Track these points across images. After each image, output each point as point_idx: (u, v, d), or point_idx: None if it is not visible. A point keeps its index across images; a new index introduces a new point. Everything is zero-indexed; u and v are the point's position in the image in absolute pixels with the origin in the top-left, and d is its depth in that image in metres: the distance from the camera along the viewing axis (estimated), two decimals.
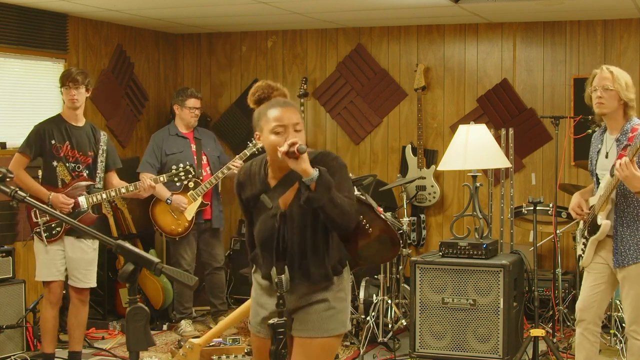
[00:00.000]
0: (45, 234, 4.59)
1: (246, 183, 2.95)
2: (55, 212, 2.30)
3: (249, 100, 3.00)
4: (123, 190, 4.74)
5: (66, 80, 4.61)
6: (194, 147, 5.92)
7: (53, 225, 4.63)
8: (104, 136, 4.83)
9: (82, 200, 4.64)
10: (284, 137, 2.73)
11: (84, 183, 4.70)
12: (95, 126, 4.90)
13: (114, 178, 4.89)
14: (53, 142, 4.64)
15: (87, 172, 4.74)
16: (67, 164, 4.68)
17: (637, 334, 3.75)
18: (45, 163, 4.68)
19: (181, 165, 4.97)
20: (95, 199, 4.68)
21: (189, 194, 5.74)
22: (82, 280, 4.72)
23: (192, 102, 5.89)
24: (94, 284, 4.82)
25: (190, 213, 5.75)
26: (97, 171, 4.77)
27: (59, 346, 4.99)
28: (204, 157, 5.93)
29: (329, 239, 2.88)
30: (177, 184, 5.25)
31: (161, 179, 4.94)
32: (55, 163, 4.65)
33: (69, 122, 4.70)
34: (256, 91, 2.97)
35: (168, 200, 5.68)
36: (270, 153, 2.82)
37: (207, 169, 5.90)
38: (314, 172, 2.66)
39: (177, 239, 5.82)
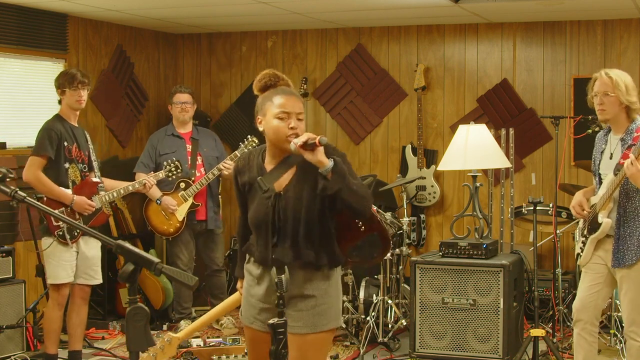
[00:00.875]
0: (68, 236, 4.61)
1: (244, 169, 3.03)
2: (56, 213, 2.30)
3: (254, 86, 3.04)
4: (130, 188, 4.86)
5: (74, 82, 4.61)
6: (189, 147, 5.92)
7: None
8: (87, 134, 4.87)
9: (95, 199, 4.67)
10: (286, 122, 2.83)
11: (93, 182, 4.73)
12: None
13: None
14: (65, 143, 4.63)
15: (87, 171, 4.77)
16: (78, 165, 4.69)
17: (635, 334, 3.75)
18: (54, 165, 4.61)
19: (169, 160, 5.15)
20: (107, 198, 4.73)
21: (179, 194, 5.76)
22: (94, 277, 4.79)
23: (178, 97, 5.92)
24: (99, 281, 4.87)
25: (180, 214, 5.77)
26: (95, 170, 4.79)
27: (59, 346, 4.99)
28: (199, 158, 5.93)
29: (323, 228, 2.92)
30: (169, 179, 5.30)
31: (160, 175, 5.06)
32: (67, 165, 4.64)
33: (70, 123, 4.71)
34: (262, 78, 3.02)
35: (157, 201, 5.71)
36: (271, 137, 2.91)
37: (202, 169, 5.91)
38: (330, 163, 2.76)
39: (170, 239, 5.87)
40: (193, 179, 5.79)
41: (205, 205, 5.89)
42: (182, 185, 5.74)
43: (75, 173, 4.67)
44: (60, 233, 4.59)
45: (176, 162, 5.12)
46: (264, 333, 2.91)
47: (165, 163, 5.17)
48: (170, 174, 5.12)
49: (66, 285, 4.68)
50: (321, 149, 2.76)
